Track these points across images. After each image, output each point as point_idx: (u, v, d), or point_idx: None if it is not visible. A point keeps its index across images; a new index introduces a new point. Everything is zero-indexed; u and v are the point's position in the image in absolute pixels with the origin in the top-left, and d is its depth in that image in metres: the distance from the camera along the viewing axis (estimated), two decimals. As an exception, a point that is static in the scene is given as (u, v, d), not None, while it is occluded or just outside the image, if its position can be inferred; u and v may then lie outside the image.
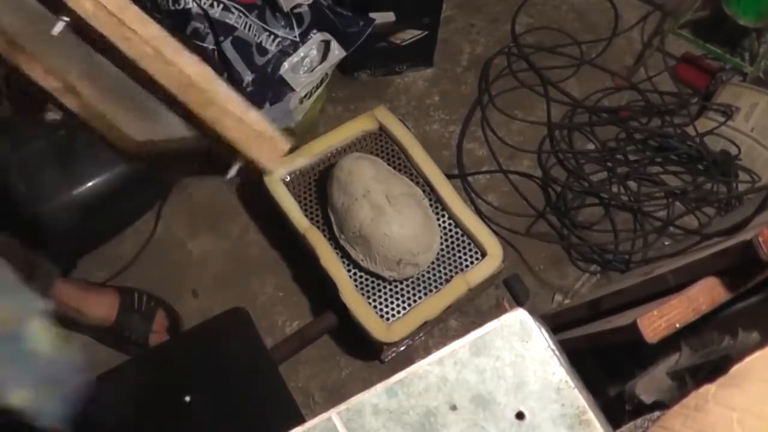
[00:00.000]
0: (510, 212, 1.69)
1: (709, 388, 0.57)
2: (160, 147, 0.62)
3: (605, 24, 1.99)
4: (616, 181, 1.74)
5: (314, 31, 1.52)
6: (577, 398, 0.55)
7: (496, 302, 1.61)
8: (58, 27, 0.48)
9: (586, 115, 1.84)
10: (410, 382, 0.54)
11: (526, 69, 1.90)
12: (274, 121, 1.55)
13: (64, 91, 0.60)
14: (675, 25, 1.83)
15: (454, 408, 0.54)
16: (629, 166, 1.75)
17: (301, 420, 0.53)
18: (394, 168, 1.52)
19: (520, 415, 0.54)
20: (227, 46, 1.41)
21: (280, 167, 0.56)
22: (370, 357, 1.51)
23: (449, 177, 1.55)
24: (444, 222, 1.49)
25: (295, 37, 1.49)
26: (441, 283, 1.44)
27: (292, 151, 1.55)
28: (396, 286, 1.43)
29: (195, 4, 1.38)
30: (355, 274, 1.44)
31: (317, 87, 1.59)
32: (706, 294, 0.97)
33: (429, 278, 1.44)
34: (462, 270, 1.44)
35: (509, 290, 1.61)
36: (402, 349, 1.51)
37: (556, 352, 0.56)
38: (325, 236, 1.45)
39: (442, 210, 1.50)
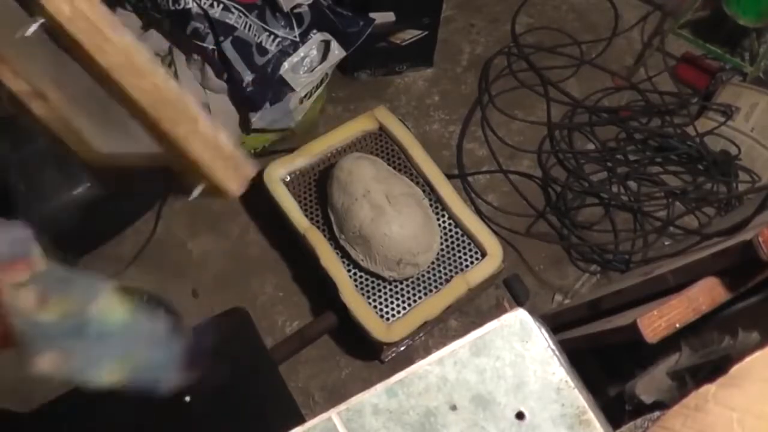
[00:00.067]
0: (510, 212, 1.69)
1: (709, 388, 0.57)
2: (123, 161, 0.61)
3: (605, 24, 1.99)
4: (616, 181, 1.74)
5: (314, 31, 1.52)
6: (577, 398, 0.55)
7: (496, 302, 1.61)
8: (32, 28, 0.48)
9: (586, 115, 1.84)
10: (410, 382, 0.54)
11: (526, 69, 1.90)
12: (274, 121, 1.56)
13: (32, 95, 0.59)
14: (675, 25, 1.83)
15: (454, 408, 0.54)
16: (629, 166, 1.75)
17: (301, 420, 0.53)
18: (394, 168, 1.52)
19: (520, 415, 0.54)
20: (227, 46, 1.41)
21: (242, 191, 0.54)
22: (370, 357, 1.51)
23: (449, 177, 1.55)
24: (444, 222, 1.49)
25: (295, 37, 1.49)
26: (441, 283, 1.44)
27: (292, 151, 1.55)
28: (396, 286, 1.43)
29: (195, 4, 1.38)
30: (355, 274, 1.44)
31: (317, 87, 1.59)
32: (706, 294, 0.97)
33: (429, 278, 1.44)
34: (462, 270, 1.44)
35: (509, 290, 1.61)
36: (402, 349, 1.51)
37: (556, 352, 0.56)
38: (325, 236, 1.45)
39: (442, 210, 1.50)
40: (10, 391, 0.69)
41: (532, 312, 0.58)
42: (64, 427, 1.03)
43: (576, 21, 2.00)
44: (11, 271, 0.63)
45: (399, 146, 1.56)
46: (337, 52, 1.54)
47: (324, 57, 1.54)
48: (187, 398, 1.04)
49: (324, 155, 1.55)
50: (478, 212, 1.68)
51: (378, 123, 1.57)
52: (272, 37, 1.46)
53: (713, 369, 0.81)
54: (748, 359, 0.58)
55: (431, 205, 1.49)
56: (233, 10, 1.41)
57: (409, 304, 1.42)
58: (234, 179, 0.54)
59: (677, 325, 0.95)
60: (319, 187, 1.52)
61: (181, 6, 1.37)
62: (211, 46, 1.42)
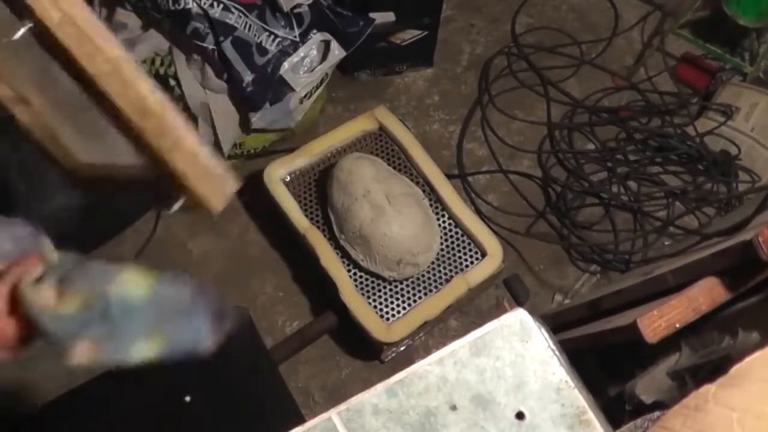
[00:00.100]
0: (510, 212, 1.69)
1: (709, 388, 0.57)
2: (104, 171, 0.60)
3: (605, 24, 1.99)
4: (616, 181, 1.74)
5: (314, 31, 1.52)
6: (577, 398, 0.55)
7: (496, 302, 1.61)
8: (20, 32, 0.47)
9: (586, 115, 1.84)
10: (410, 382, 0.54)
11: (526, 69, 1.90)
12: (274, 121, 1.56)
13: (15, 100, 0.58)
14: (675, 25, 1.83)
15: (454, 408, 0.54)
16: (629, 166, 1.75)
17: (301, 420, 0.53)
18: (394, 168, 1.52)
19: (520, 415, 0.54)
20: (227, 46, 1.41)
21: (222, 207, 0.54)
22: (370, 357, 1.51)
23: (449, 177, 1.55)
24: (444, 222, 1.49)
25: (295, 37, 1.49)
26: (441, 283, 1.44)
27: (292, 151, 1.55)
28: (396, 286, 1.43)
29: (195, 4, 1.38)
30: (355, 274, 1.44)
31: (317, 87, 1.59)
32: (706, 294, 0.97)
33: (429, 278, 1.44)
34: (462, 270, 1.44)
35: (509, 290, 1.61)
36: (402, 349, 1.51)
37: (556, 352, 0.56)
38: (325, 236, 1.45)
39: (442, 210, 1.50)
40: (10, 391, 0.69)
41: (532, 312, 0.58)
42: (64, 427, 1.03)
43: (576, 21, 2.00)
44: (23, 267, 0.64)
45: (399, 146, 1.56)
46: (337, 52, 1.54)
47: (324, 57, 1.54)
48: (187, 398, 1.04)
49: (324, 155, 1.55)
50: (478, 212, 1.68)
51: (378, 123, 1.57)
52: (272, 37, 1.46)
53: (713, 369, 0.81)
54: (748, 359, 0.58)
55: (431, 205, 1.49)
56: (233, 10, 1.41)
57: (409, 304, 1.42)
58: (215, 194, 0.53)
59: (677, 325, 0.95)
60: (319, 187, 1.52)
61: (181, 6, 1.37)
62: (211, 46, 1.42)
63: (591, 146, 1.79)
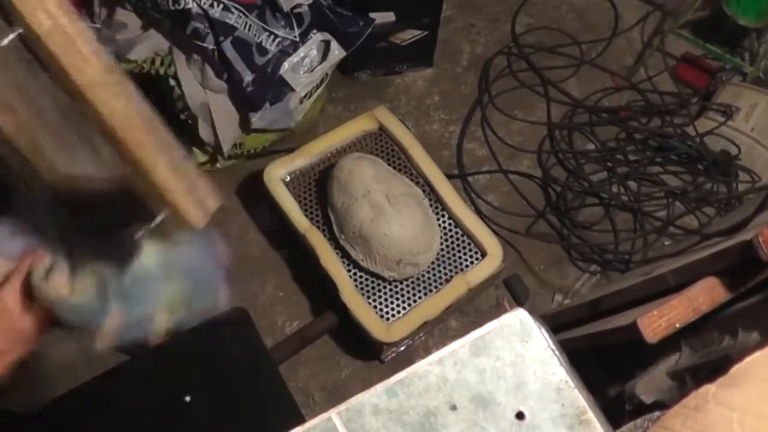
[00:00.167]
0: (510, 212, 1.69)
1: (709, 388, 0.57)
2: (83, 184, 0.60)
3: (605, 24, 1.99)
4: (616, 181, 1.74)
5: (314, 31, 1.52)
6: (577, 398, 0.55)
7: (496, 302, 1.61)
8: (9, 38, 0.47)
9: (586, 115, 1.84)
10: (410, 382, 0.54)
11: (526, 69, 1.90)
12: (274, 121, 1.56)
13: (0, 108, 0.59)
14: (675, 25, 1.83)
15: (454, 408, 0.54)
16: (629, 166, 1.75)
17: (301, 420, 0.53)
18: (394, 168, 1.52)
19: (520, 415, 0.54)
20: (227, 46, 1.41)
21: (204, 223, 0.54)
22: (370, 357, 1.51)
23: (449, 177, 1.55)
24: (444, 222, 1.49)
25: (295, 37, 1.49)
26: (441, 283, 1.44)
27: (292, 151, 1.55)
28: (396, 286, 1.43)
29: (195, 4, 1.38)
30: (355, 274, 1.44)
31: (317, 87, 1.59)
32: (706, 294, 0.97)
33: (429, 278, 1.44)
34: (462, 270, 1.44)
35: (509, 290, 1.61)
36: (402, 349, 1.51)
37: (556, 352, 0.56)
38: (325, 236, 1.45)
39: (442, 210, 1.50)
40: (10, 391, 0.69)
41: (532, 312, 0.58)
42: (64, 427, 1.03)
43: (576, 21, 2.00)
44: (31, 262, 0.64)
45: (399, 146, 1.56)
46: (337, 52, 1.54)
47: (324, 57, 1.54)
48: (187, 398, 1.04)
49: (324, 155, 1.55)
50: (478, 212, 1.68)
51: (378, 123, 1.57)
52: (272, 37, 1.46)
53: (713, 369, 0.81)
54: (748, 359, 0.58)
55: (431, 205, 1.49)
56: (233, 10, 1.41)
57: (409, 304, 1.42)
58: (197, 210, 0.53)
59: (677, 325, 0.95)
60: (319, 187, 1.52)
61: (181, 6, 1.37)
62: (211, 46, 1.42)
63: (591, 146, 1.79)
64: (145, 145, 0.50)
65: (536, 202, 1.72)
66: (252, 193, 1.65)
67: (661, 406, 0.93)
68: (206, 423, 1.03)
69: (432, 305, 1.40)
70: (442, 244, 1.46)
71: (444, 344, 0.56)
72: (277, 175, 1.50)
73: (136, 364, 1.17)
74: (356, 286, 1.41)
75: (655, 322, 0.94)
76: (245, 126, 1.54)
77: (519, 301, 1.60)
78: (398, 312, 1.41)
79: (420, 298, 1.42)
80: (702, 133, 1.74)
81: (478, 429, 0.53)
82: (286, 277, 1.60)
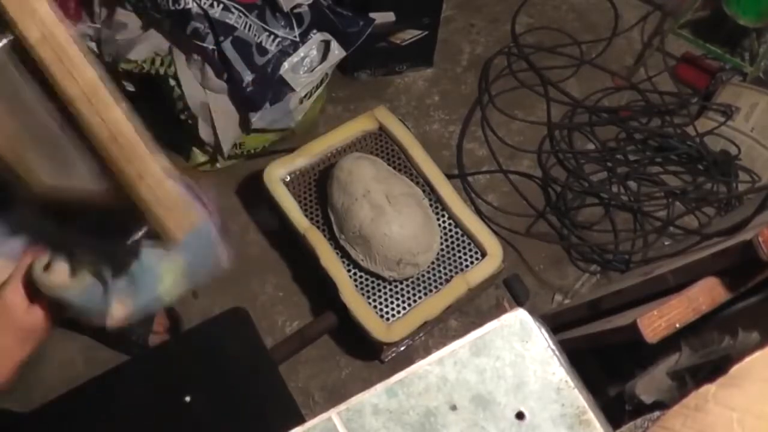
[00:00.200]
0: (510, 212, 1.69)
1: (709, 388, 0.57)
2: (67, 195, 0.60)
3: (605, 24, 1.99)
4: (616, 181, 1.74)
5: (314, 31, 1.52)
6: (577, 398, 0.55)
7: (496, 302, 1.61)
8: None
9: (586, 115, 1.84)
10: (410, 382, 0.54)
11: (526, 69, 1.90)
12: (274, 121, 1.56)
13: None
14: (675, 25, 1.83)
15: (454, 408, 0.54)
16: (629, 166, 1.75)
17: (301, 420, 0.53)
18: (394, 168, 1.52)
19: (520, 415, 0.54)
20: (227, 46, 1.41)
21: (185, 237, 0.54)
22: (370, 357, 1.51)
23: (449, 177, 1.55)
24: (444, 222, 1.49)
25: (295, 37, 1.49)
26: (441, 283, 1.44)
27: (292, 151, 1.55)
28: (396, 286, 1.43)
29: (195, 4, 1.38)
30: (355, 274, 1.44)
31: (317, 87, 1.59)
32: (706, 294, 0.97)
33: (429, 278, 1.44)
34: (462, 270, 1.44)
35: (509, 290, 1.61)
36: (402, 349, 1.51)
37: (556, 352, 0.56)
38: (325, 236, 1.45)
39: (442, 210, 1.50)
40: (10, 391, 0.69)
41: (532, 312, 0.58)
42: (64, 427, 1.03)
43: (576, 21, 2.00)
44: (29, 258, 0.65)
45: (399, 146, 1.56)
46: (337, 52, 1.54)
47: (324, 57, 1.54)
48: (187, 398, 1.04)
49: (324, 155, 1.55)
50: (478, 212, 1.68)
51: (378, 123, 1.57)
52: (272, 37, 1.46)
53: (713, 369, 0.81)
54: (748, 359, 0.58)
55: (431, 205, 1.49)
56: (233, 10, 1.41)
57: (409, 304, 1.42)
58: (179, 225, 0.53)
59: (677, 325, 0.95)
60: (319, 187, 1.52)
61: (181, 6, 1.37)
62: (211, 46, 1.42)
63: (591, 146, 1.79)
64: (129, 159, 0.50)
65: (536, 202, 1.72)
66: (252, 193, 1.65)
67: (661, 406, 0.93)
68: (206, 423, 1.03)
69: (432, 305, 1.40)
70: (442, 244, 1.46)
71: (444, 344, 0.56)
72: (277, 175, 1.50)
73: (136, 364, 1.17)
74: (356, 286, 1.41)
75: (655, 322, 0.94)
76: (245, 126, 1.54)
77: (519, 301, 1.60)
78: (398, 312, 1.41)
79: (420, 298, 1.42)
80: (702, 133, 1.74)
81: (478, 429, 0.53)
82: (286, 277, 1.60)
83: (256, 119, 1.51)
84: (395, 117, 1.58)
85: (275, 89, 1.49)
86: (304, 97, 1.56)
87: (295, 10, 1.49)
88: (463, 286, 1.41)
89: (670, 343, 0.98)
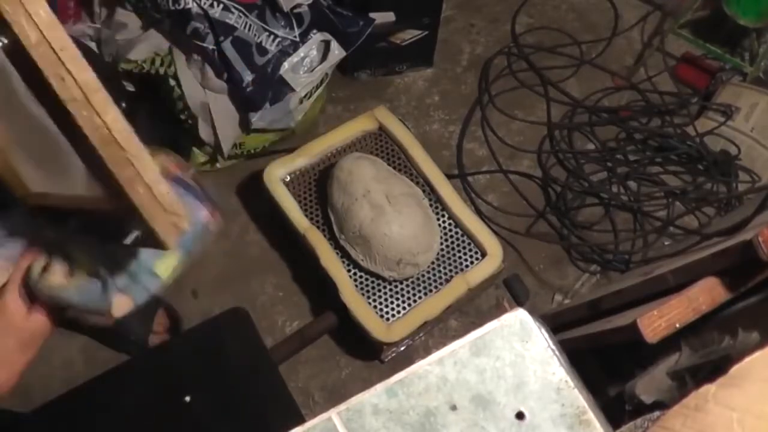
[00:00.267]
0: (510, 212, 1.69)
1: (709, 388, 0.57)
2: (55, 201, 0.60)
3: (605, 24, 1.99)
4: (616, 181, 1.74)
5: (314, 31, 1.52)
6: (577, 398, 0.55)
7: (496, 302, 1.61)
8: None
9: (586, 115, 1.84)
10: (410, 382, 0.54)
11: (526, 69, 1.90)
12: (274, 121, 1.56)
13: None
14: (675, 25, 1.83)
15: (454, 408, 0.54)
16: (629, 166, 1.75)
17: (301, 420, 0.53)
18: (394, 168, 1.52)
19: (520, 415, 0.54)
20: (227, 46, 1.41)
21: (175, 244, 0.54)
22: (370, 357, 1.51)
23: (449, 177, 1.55)
24: (444, 222, 1.49)
25: (295, 37, 1.49)
26: (441, 283, 1.44)
27: (292, 151, 1.55)
28: (396, 286, 1.43)
29: (195, 4, 1.38)
30: (355, 274, 1.44)
31: (317, 87, 1.59)
32: (706, 294, 0.97)
33: (429, 278, 1.44)
34: (462, 270, 1.44)
35: (509, 290, 1.61)
36: (402, 349, 1.51)
37: (556, 352, 0.56)
38: (325, 236, 1.45)
39: (442, 210, 1.50)
40: (10, 391, 0.69)
41: (532, 312, 0.58)
42: (64, 427, 1.03)
43: (576, 21, 2.00)
44: (26, 263, 0.65)
45: (399, 146, 1.56)
46: (337, 52, 1.54)
47: (324, 57, 1.54)
48: (187, 398, 1.04)
49: (324, 155, 1.55)
50: (478, 212, 1.68)
51: (378, 123, 1.57)
52: (272, 37, 1.46)
53: (713, 369, 0.81)
54: (748, 359, 0.58)
55: (431, 205, 1.49)
56: (233, 10, 1.41)
57: (409, 304, 1.42)
58: (170, 231, 0.53)
59: (677, 325, 0.95)
60: (319, 187, 1.52)
61: (181, 6, 1.37)
62: (211, 46, 1.42)
63: (591, 146, 1.79)
64: (120, 164, 0.50)
65: (536, 202, 1.72)
66: (252, 193, 1.65)
67: (661, 406, 0.93)
68: (206, 423, 1.03)
69: (432, 305, 1.40)
70: (442, 244, 1.46)
71: (444, 344, 0.56)
72: (277, 175, 1.50)
73: (136, 364, 1.17)
74: (356, 286, 1.41)
75: (655, 322, 0.94)
76: (245, 126, 1.54)
77: (519, 301, 1.60)
78: (398, 312, 1.41)
79: (420, 298, 1.42)
80: (702, 133, 1.74)
81: (478, 429, 0.53)
82: (286, 277, 1.60)
83: (256, 119, 1.51)
84: (395, 117, 1.58)
85: (275, 89, 1.49)
86: (304, 97, 1.56)
87: (295, 10, 1.49)
88: (463, 286, 1.41)
89: (670, 343, 0.98)
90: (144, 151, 0.51)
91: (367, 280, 1.44)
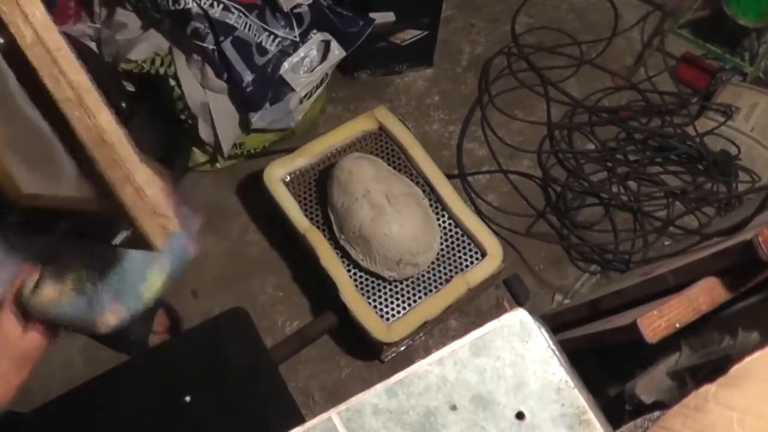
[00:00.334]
0: (510, 212, 1.69)
1: (709, 388, 0.57)
2: (43, 202, 0.60)
3: (605, 24, 1.99)
4: (616, 181, 1.74)
5: (314, 31, 1.52)
6: (577, 398, 0.55)
7: (496, 302, 1.61)
8: None
9: (586, 115, 1.84)
10: (410, 382, 0.54)
11: (526, 69, 1.90)
12: (274, 121, 1.56)
13: None
14: (675, 25, 1.83)
15: (454, 408, 0.54)
16: (629, 166, 1.75)
17: (301, 420, 0.53)
18: (394, 168, 1.52)
19: (520, 415, 0.54)
20: (227, 46, 1.41)
21: (164, 244, 0.55)
22: (370, 357, 1.51)
23: (449, 177, 1.55)
24: (444, 222, 1.49)
25: (295, 37, 1.49)
26: (441, 283, 1.44)
27: (292, 151, 1.55)
28: (396, 286, 1.43)
29: (195, 4, 1.38)
30: (355, 274, 1.44)
31: (317, 87, 1.59)
32: (706, 294, 0.97)
33: (429, 278, 1.44)
34: (462, 270, 1.44)
35: (509, 290, 1.61)
36: (402, 349, 1.51)
37: (556, 352, 0.56)
38: (325, 236, 1.45)
39: (442, 210, 1.50)
40: (7, 406, 0.70)
41: (532, 312, 0.58)
42: (64, 427, 1.03)
43: (576, 21, 2.00)
44: (18, 282, 0.65)
45: (399, 146, 1.56)
46: (337, 52, 1.54)
47: (324, 57, 1.54)
48: (187, 398, 1.04)
49: (324, 155, 1.55)
50: (478, 212, 1.68)
51: (378, 123, 1.57)
52: (272, 37, 1.46)
53: (713, 369, 0.81)
54: (748, 359, 0.58)
55: (431, 205, 1.49)
56: (233, 10, 1.41)
57: (409, 304, 1.42)
58: (159, 233, 0.54)
59: (677, 325, 0.95)
60: (319, 187, 1.52)
61: (181, 6, 1.37)
62: (211, 46, 1.42)
63: (591, 146, 1.79)
64: (112, 165, 0.51)
65: (536, 202, 1.72)
66: (252, 193, 1.65)
67: (661, 406, 0.93)
68: (206, 423, 1.03)
69: (432, 305, 1.40)
70: (442, 244, 1.46)
71: (444, 344, 0.56)
72: (277, 175, 1.50)
73: (136, 364, 1.17)
74: (356, 286, 1.41)
75: (655, 322, 0.94)
76: (245, 126, 1.54)
77: (519, 301, 1.60)
78: (398, 312, 1.41)
79: (420, 298, 1.42)
80: (702, 133, 1.74)
81: (478, 429, 0.53)
82: (286, 277, 1.60)
83: (256, 119, 1.51)
84: (395, 117, 1.58)
85: (275, 89, 1.49)
86: (304, 97, 1.56)
87: (295, 10, 1.49)
88: (463, 286, 1.41)
89: (670, 343, 0.98)
90: (134, 153, 0.52)
91: (367, 280, 1.44)
